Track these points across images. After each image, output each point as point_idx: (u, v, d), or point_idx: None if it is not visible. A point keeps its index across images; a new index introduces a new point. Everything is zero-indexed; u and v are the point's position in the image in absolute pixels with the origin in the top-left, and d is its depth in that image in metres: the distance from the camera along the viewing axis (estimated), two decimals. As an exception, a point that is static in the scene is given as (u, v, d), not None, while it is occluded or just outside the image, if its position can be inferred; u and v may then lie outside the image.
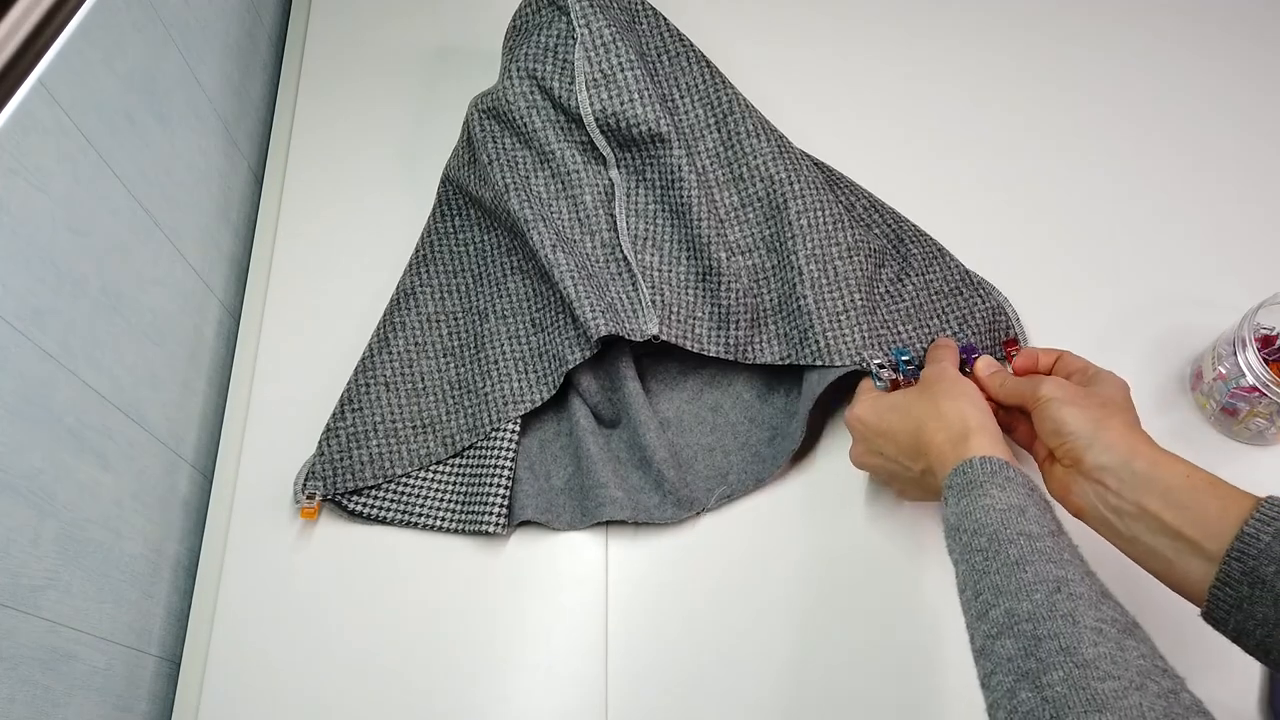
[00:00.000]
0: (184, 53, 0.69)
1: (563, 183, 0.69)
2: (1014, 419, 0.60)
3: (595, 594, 0.63)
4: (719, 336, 0.66)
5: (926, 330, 0.69)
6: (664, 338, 0.64)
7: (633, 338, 0.63)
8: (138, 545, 0.62)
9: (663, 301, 0.65)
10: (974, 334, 0.69)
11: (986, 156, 0.79)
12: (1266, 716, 0.58)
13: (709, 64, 0.74)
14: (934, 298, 0.70)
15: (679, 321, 0.65)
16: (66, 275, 0.54)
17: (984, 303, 0.70)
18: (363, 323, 0.72)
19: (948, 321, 0.69)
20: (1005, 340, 0.69)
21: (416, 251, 0.73)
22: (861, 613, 0.62)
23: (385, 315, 0.70)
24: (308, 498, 0.63)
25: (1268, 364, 0.61)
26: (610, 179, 0.69)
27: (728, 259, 0.67)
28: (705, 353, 0.65)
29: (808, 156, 0.75)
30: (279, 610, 0.63)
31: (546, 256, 0.65)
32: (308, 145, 0.81)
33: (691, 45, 0.74)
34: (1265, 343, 0.64)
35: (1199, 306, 0.70)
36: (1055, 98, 0.81)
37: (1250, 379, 0.61)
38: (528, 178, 0.69)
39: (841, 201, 0.74)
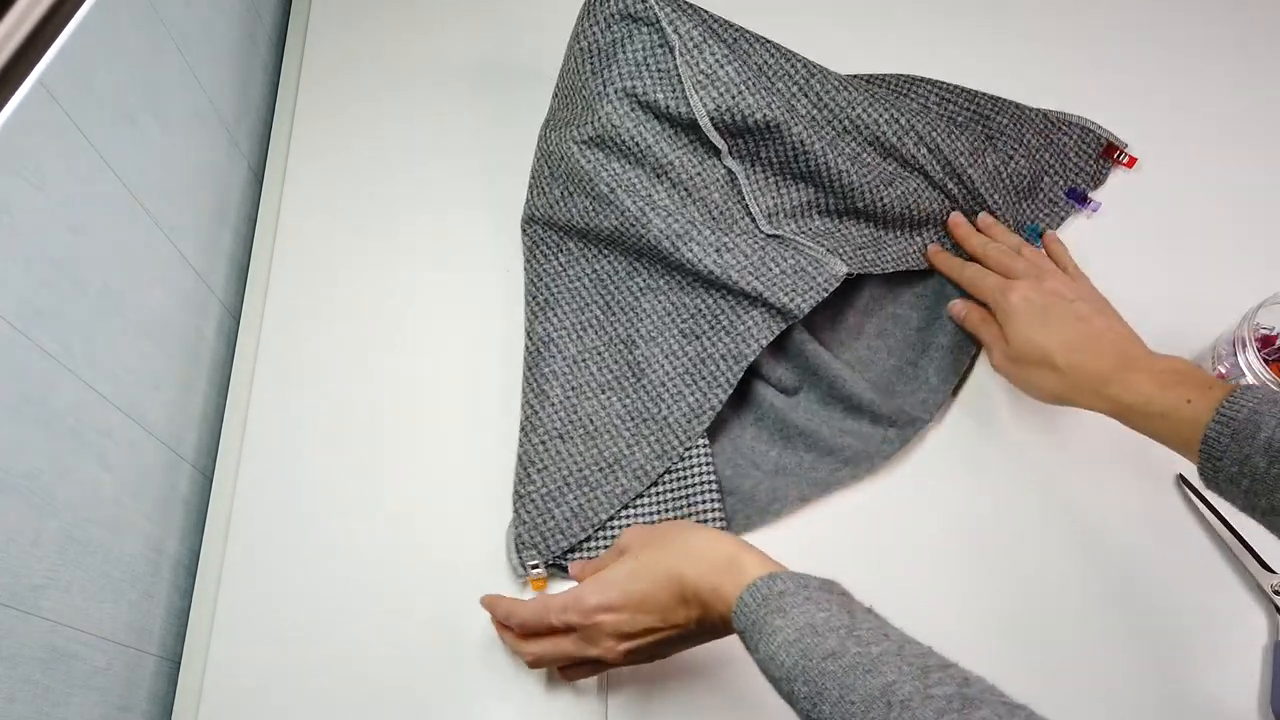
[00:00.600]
0: (184, 53, 0.70)
1: (686, 189, 0.68)
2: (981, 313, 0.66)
3: (595, 594, 0.63)
4: (889, 255, 0.70)
5: (1041, 198, 0.75)
6: (854, 271, 0.66)
7: (829, 290, 0.64)
8: (138, 545, 0.62)
9: (828, 249, 0.67)
10: (1076, 170, 0.75)
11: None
12: (1266, 716, 0.58)
13: (767, 40, 0.73)
14: (1034, 156, 0.74)
15: (851, 258, 0.67)
16: (66, 275, 0.54)
17: (1071, 135, 0.75)
18: (362, 323, 0.72)
19: (1053, 171, 0.75)
20: (1104, 151, 0.74)
21: (534, 300, 0.71)
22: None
23: (530, 369, 0.68)
24: (531, 568, 0.62)
25: (1268, 364, 0.61)
26: (727, 167, 0.69)
27: (873, 197, 0.69)
28: (887, 270, 0.69)
29: (873, 81, 0.78)
30: (279, 610, 0.63)
31: (714, 264, 0.65)
32: (308, 145, 0.81)
33: (744, 28, 0.73)
34: (1265, 343, 0.64)
35: (1199, 306, 0.70)
36: (1056, 98, 0.81)
37: (1250, 379, 0.61)
38: (650, 196, 0.67)
39: (929, 109, 0.77)
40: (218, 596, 0.63)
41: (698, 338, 0.67)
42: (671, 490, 0.64)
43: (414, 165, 0.79)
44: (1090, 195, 0.74)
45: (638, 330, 0.68)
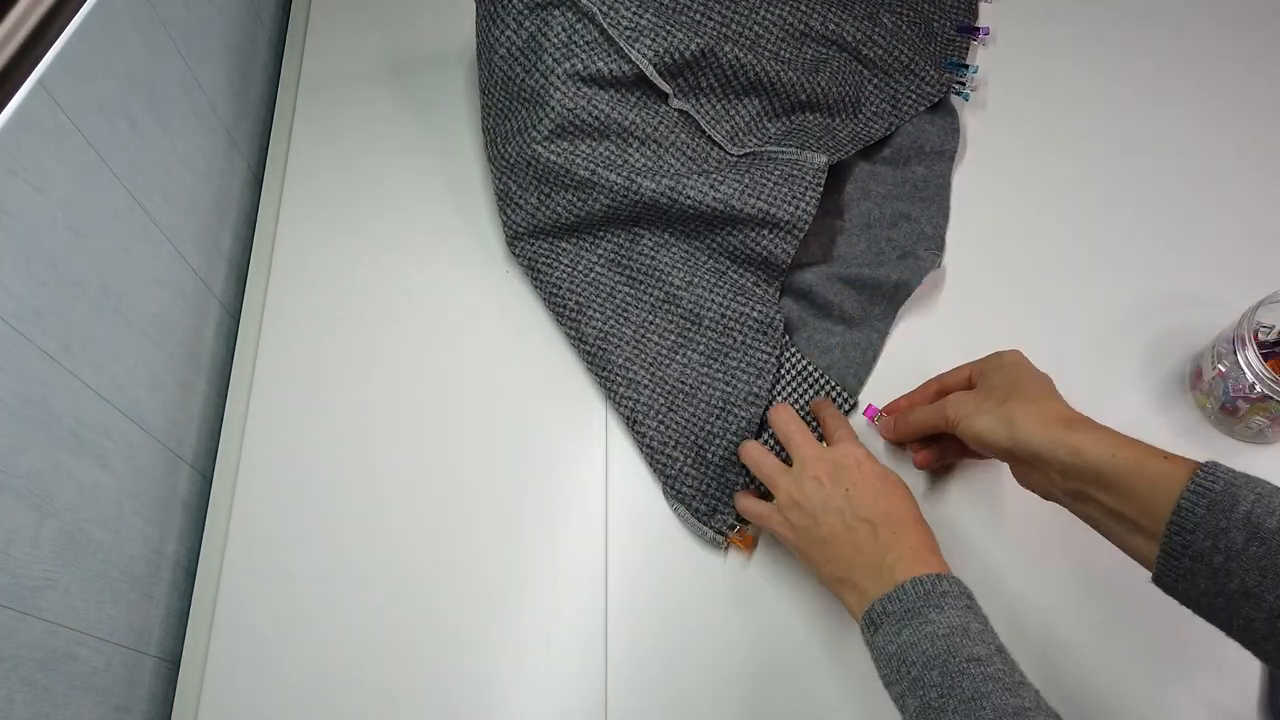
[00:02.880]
0: (184, 53, 0.70)
1: (656, 143, 0.71)
2: (945, 444, 0.62)
3: (595, 593, 0.63)
4: (845, 138, 0.75)
5: (938, 38, 0.83)
6: (833, 160, 0.71)
7: (820, 185, 0.68)
8: (137, 545, 0.62)
9: (800, 146, 0.71)
10: (953, 7, 0.84)
11: (983, 156, 0.79)
12: (1266, 717, 0.58)
13: None
14: (917, 4, 0.83)
15: (827, 146, 0.73)
16: (66, 275, 0.54)
17: None
18: (362, 323, 0.72)
19: (938, 14, 0.84)
20: None
21: (563, 309, 0.70)
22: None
23: (602, 370, 0.68)
24: (730, 530, 0.63)
25: (1267, 362, 0.61)
26: (679, 109, 0.72)
27: (810, 86, 0.74)
28: (848, 153, 0.74)
29: None
30: (279, 610, 0.63)
31: (714, 199, 0.67)
32: (308, 146, 0.81)
33: None
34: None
35: (1198, 305, 0.70)
36: (1053, 95, 0.82)
37: (1249, 377, 0.61)
38: (629, 162, 0.70)
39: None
40: (217, 597, 0.63)
41: (726, 272, 0.70)
42: (788, 395, 0.67)
43: (414, 165, 0.79)
44: (976, 26, 0.84)
45: (673, 283, 0.70)
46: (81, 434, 0.55)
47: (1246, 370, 0.61)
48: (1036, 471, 0.53)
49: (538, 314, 0.72)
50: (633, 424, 0.66)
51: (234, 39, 0.79)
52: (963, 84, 0.79)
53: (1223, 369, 0.63)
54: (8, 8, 0.50)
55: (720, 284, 0.70)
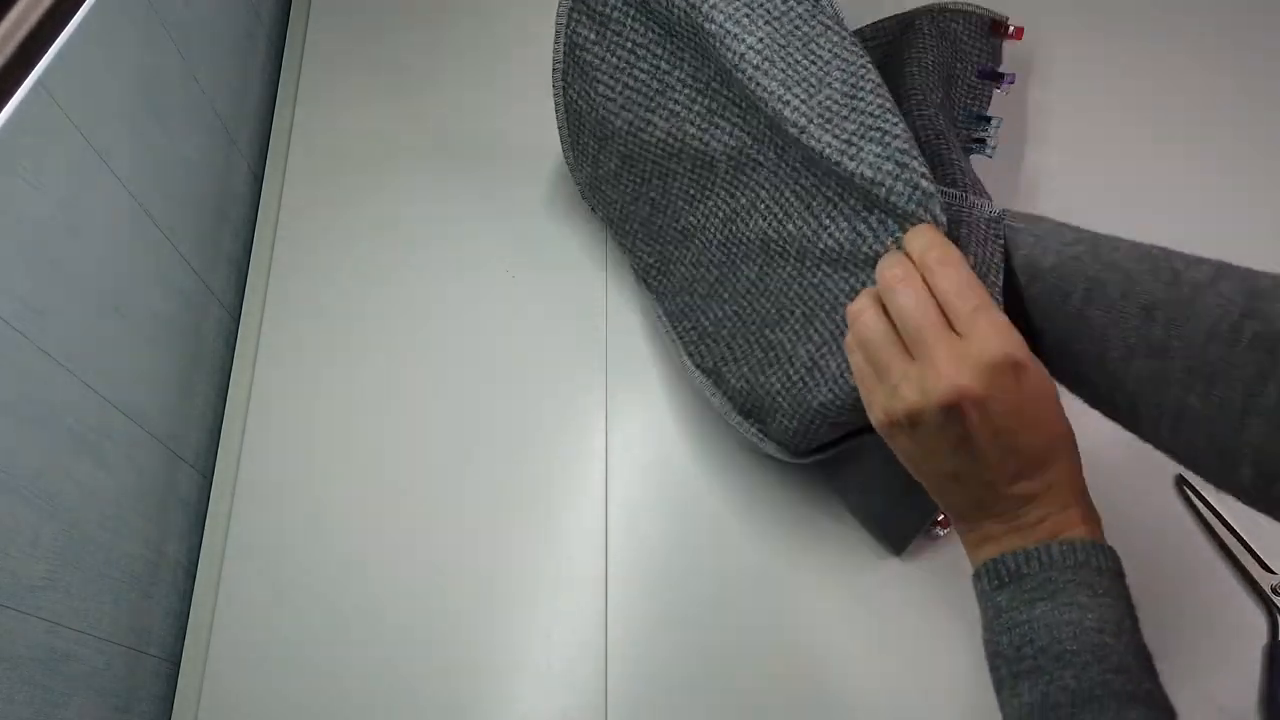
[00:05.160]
0: (184, 53, 0.69)
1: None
2: None
3: (595, 593, 0.63)
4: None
5: (961, 84, 0.73)
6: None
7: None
8: (137, 545, 0.62)
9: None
10: (976, 52, 0.74)
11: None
12: (1265, 717, 0.58)
13: None
14: (940, 47, 0.72)
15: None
16: (66, 275, 0.54)
17: (958, 21, 0.74)
18: (363, 323, 0.72)
19: (961, 57, 0.74)
20: (992, 29, 0.74)
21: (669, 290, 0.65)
22: (865, 613, 0.62)
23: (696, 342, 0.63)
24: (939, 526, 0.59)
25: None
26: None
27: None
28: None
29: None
30: (279, 610, 0.63)
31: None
32: (307, 145, 0.81)
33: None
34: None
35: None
36: (1054, 95, 0.82)
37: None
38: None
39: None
40: (217, 597, 0.63)
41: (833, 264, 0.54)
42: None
43: (414, 165, 0.79)
44: (1001, 72, 0.75)
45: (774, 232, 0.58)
46: (81, 434, 0.55)
47: (1246, 370, 0.61)
48: None
49: (540, 313, 0.72)
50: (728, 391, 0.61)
51: (234, 39, 0.79)
52: (983, 140, 0.70)
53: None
54: (8, 8, 0.50)
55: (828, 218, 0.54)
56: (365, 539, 0.65)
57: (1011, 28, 0.75)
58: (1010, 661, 0.40)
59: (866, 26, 0.78)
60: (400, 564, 0.64)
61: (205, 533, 0.66)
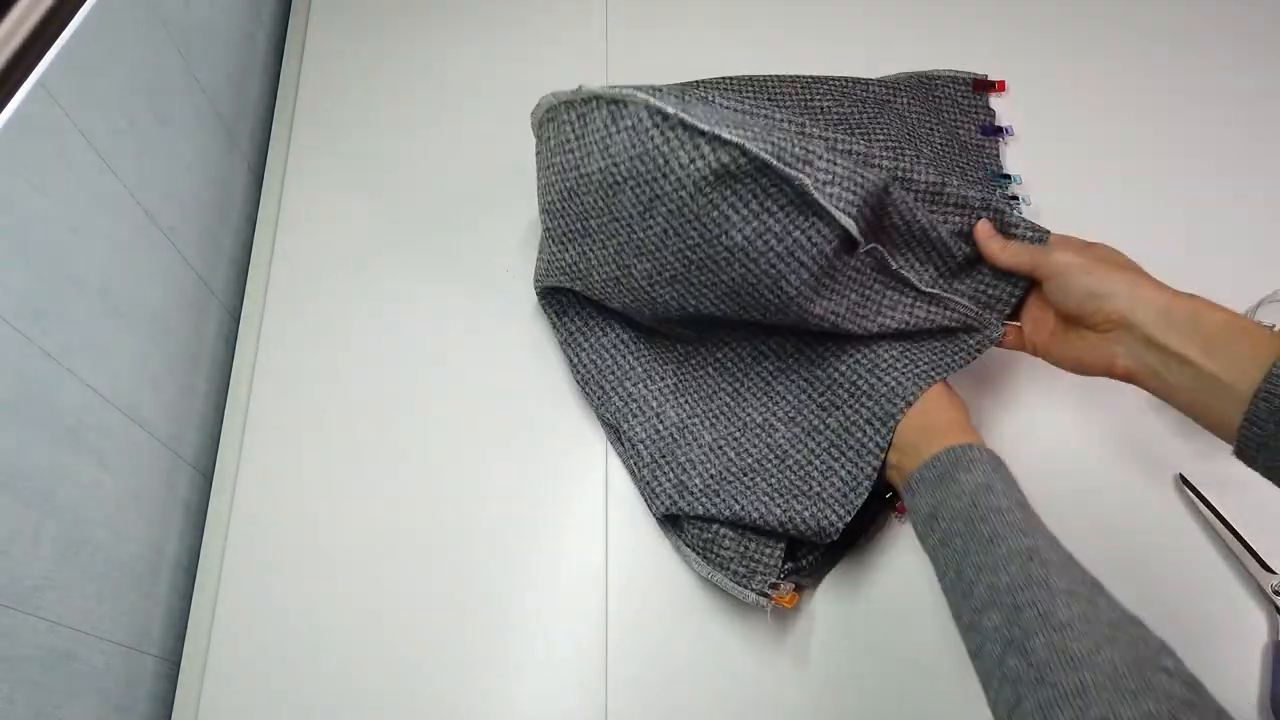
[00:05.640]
0: (184, 53, 0.69)
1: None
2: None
3: (595, 594, 0.63)
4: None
5: (970, 146, 0.78)
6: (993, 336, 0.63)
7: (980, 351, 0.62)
8: (138, 545, 0.62)
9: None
10: (970, 112, 0.79)
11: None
12: (1266, 717, 0.58)
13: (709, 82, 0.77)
14: (938, 116, 0.78)
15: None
16: (66, 275, 0.54)
17: (944, 87, 0.80)
18: (363, 322, 0.72)
19: (961, 123, 0.79)
20: (975, 87, 0.80)
21: (659, 381, 0.67)
22: (865, 612, 0.62)
23: (663, 456, 0.64)
24: (771, 589, 0.59)
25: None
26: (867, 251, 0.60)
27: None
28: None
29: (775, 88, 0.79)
30: (279, 610, 0.63)
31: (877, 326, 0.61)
32: (308, 145, 0.81)
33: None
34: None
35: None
36: (1052, 93, 0.82)
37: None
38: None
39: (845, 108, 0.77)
40: (217, 597, 0.63)
41: (838, 408, 0.62)
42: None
43: (414, 164, 0.79)
44: (999, 125, 0.80)
45: (774, 413, 0.65)
46: (81, 434, 0.55)
47: (1246, 370, 0.61)
48: (1135, 337, 0.53)
49: (539, 316, 0.72)
50: (674, 518, 0.63)
51: (234, 39, 0.79)
52: (1015, 199, 0.74)
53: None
54: (8, 8, 0.50)
55: (823, 426, 0.63)
56: (365, 539, 0.65)
57: (994, 83, 0.81)
58: (927, 540, 0.52)
59: (847, 81, 0.80)
60: (400, 564, 0.64)
61: (205, 533, 0.66)
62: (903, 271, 0.61)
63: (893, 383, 0.60)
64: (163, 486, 0.65)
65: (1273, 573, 0.61)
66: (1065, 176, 0.77)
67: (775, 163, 0.53)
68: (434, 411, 0.69)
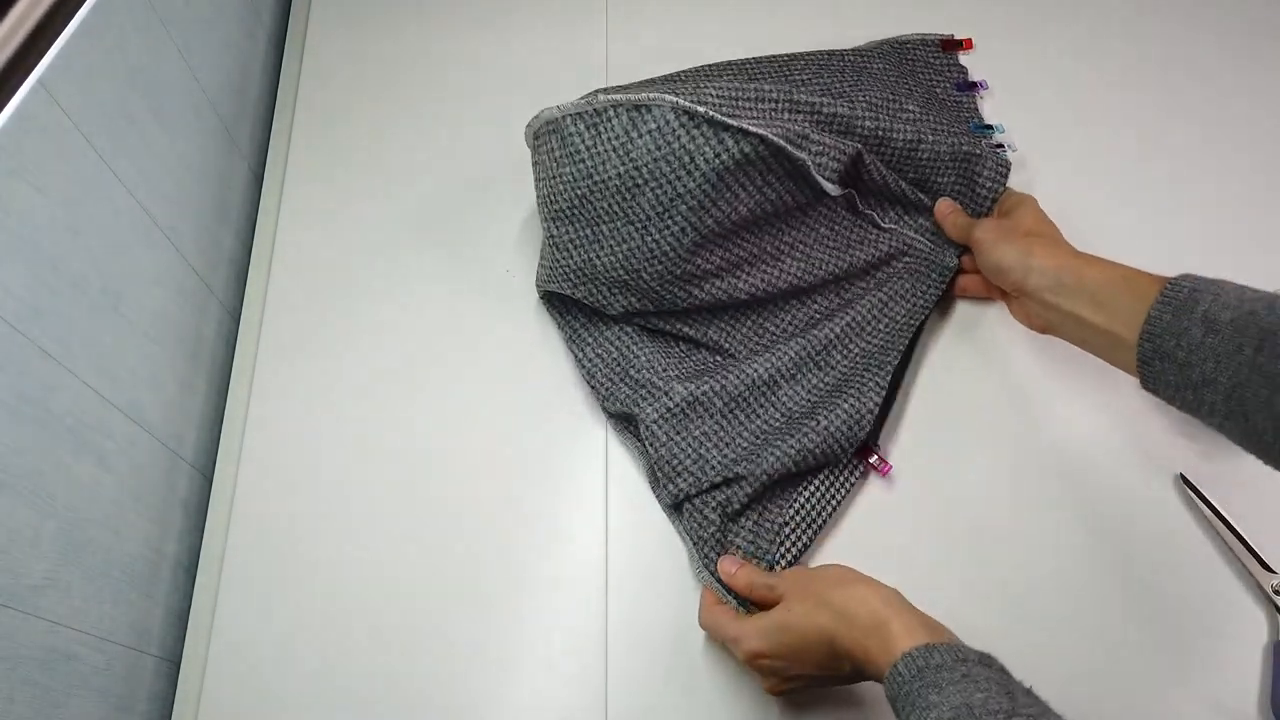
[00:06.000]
0: (184, 53, 0.70)
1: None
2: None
3: (595, 593, 0.63)
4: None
5: (948, 103, 0.81)
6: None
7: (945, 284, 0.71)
8: (138, 545, 0.62)
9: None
10: (943, 71, 0.82)
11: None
12: (1266, 717, 0.58)
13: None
14: (914, 77, 0.81)
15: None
16: (66, 275, 0.54)
17: (915, 49, 0.83)
18: (363, 322, 0.72)
19: (936, 80, 0.82)
20: (944, 47, 0.83)
21: (661, 370, 0.67)
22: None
23: (677, 433, 0.64)
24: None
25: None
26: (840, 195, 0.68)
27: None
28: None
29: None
30: (279, 610, 0.63)
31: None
32: (308, 145, 0.81)
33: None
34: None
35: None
36: (1052, 92, 0.82)
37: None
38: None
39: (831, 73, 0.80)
40: (218, 597, 0.63)
41: (835, 365, 0.68)
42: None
43: (414, 165, 0.79)
44: (972, 80, 0.82)
45: (779, 372, 0.67)
46: (81, 434, 0.55)
47: (1247, 370, 0.61)
48: (1038, 301, 0.59)
49: (538, 316, 0.72)
50: (689, 498, 0.63)
51: (234, 38, 0.79)
52: (1002, 146, 0.76)
53: (1223, 369, 0.63)
54: (8, 8, 0.50)
55: (821, 383, 0.67)
56: (365, 538, 0.65)
57: (961, 40, 0.84)
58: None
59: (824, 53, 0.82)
60: (401, 563, 0.64)
61: (205, 533, 0.66)
62: (868, 211, 0.71)
63: (883, 330, 0.69)
64: (163, 486, 0.65)
65: (1273, 572, 0.61)
66: (1044, 126, 0.80)
67: (787, 147, 0.61)
68: (434, 411, 0.69)
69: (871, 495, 0.66)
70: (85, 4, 0.56)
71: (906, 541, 0.64)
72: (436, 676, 0.61)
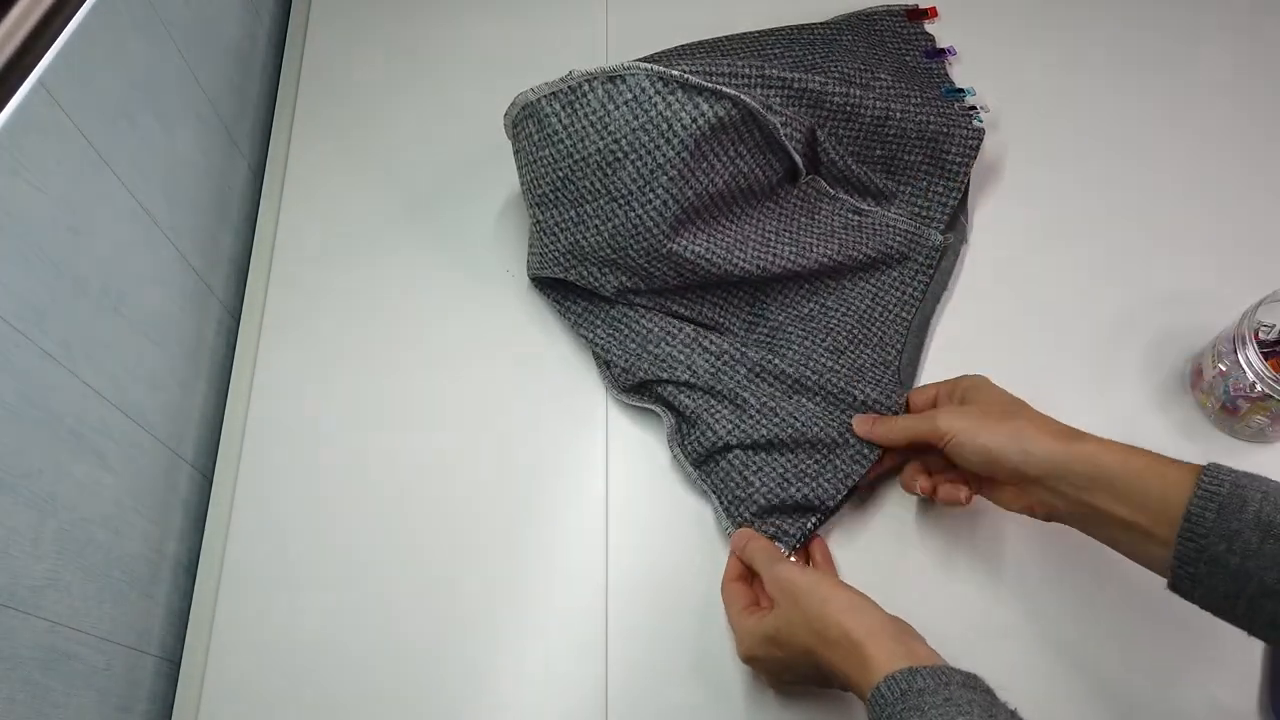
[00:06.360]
0: (184, 53, 0.70)
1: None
2: (921, 463, 0.62)
3: (595, 594, 0.63)
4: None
5: (918, 71, 0.82)
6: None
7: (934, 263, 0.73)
8: (138, 545, 0.62)
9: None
10: (910, 40, 0.83)
11: (982, 161, 0.79)
12: (1266, 716, 0.58)
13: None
14: (884, 48, 0.82)
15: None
16: (66, 275, 0.54)
17: (881, 21, 0.84)
18: (363, 322, 0.72)
19: (905, 49, 0.83)
20: (910, 17, 0.85)
21: (683, 338, 0.68)
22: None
23: (710, 388, 0.65)
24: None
25: (1267, 361, 0.61)
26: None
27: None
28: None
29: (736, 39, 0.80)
30: (279, 610, 0.63)
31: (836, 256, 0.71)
32: (308, 145, 0.81)
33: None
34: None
35: (1198, 305, 0.70)
36: (1054, 89, 0.82)
37: (1250, 376, 0.61)
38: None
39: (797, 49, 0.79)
40: (218, 596, 0.63)
41: (844, 351, 0.69)
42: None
43: (415, 165, 0.79)
44: (940, 48, 0.84)
45: (785, 360, 0.67)
46: (82, 434, 0.55)
47: (1247, 369, 0.61)
48: (1042, 488, 0.53)
49: (539, 312, 0.72)
50: (723, 450, 0.64)
51: (234, 38, 0.79)
52: (975, 109, 0.76)
53: (1223, 368, 0.63)
54: (8, 8, 0.50)
55: (838, 363, 0.67)
56: (365, 539, 0.65)
57: (926, 9, 0.86)
58: None
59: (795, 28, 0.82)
60: (400, 564, 0.64)
61: (205, 533, 0.66)
62: (841, 196, 0.73)
63: (883, 323, 0.70)
64: (163, 486, 0.65)
65: (1273, 572, 0.61)
66: (1015, 89, 0.81)
67: (760, 110, 0.62)
68: (435, 410, 0.69)
69: (866, 495, 0.66)
70: (85, 4, 0.56)
71: (905, 544, 0.64)
72: (437, 678, 0.61)
